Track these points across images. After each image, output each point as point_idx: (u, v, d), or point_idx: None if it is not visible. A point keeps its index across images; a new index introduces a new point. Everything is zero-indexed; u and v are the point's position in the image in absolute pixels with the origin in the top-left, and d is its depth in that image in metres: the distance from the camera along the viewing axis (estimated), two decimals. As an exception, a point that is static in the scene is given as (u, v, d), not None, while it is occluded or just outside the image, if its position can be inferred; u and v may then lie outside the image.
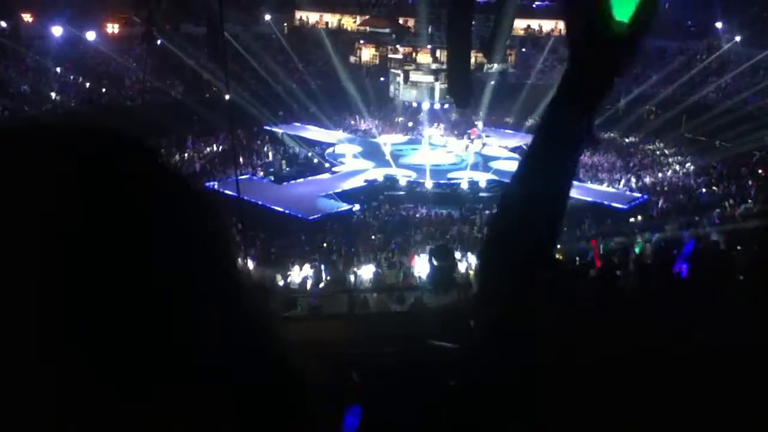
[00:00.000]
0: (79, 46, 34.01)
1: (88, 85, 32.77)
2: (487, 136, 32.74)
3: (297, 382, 0.55)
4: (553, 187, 1.02)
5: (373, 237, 21.33)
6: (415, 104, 34.77)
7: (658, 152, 32.32)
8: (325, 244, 20.24)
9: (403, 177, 26.89)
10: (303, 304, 12.11)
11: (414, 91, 33.40)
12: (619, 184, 27.54)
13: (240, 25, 34.89)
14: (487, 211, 23.82)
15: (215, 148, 30.04)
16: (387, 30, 34.79)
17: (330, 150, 31.39)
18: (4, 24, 33.25)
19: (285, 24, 41.90)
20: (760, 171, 26.41)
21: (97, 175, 0.46)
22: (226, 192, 21.64)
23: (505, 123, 36.61)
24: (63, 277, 0.43)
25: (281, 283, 16.29)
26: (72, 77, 32.87)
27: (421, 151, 31.00)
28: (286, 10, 41.56)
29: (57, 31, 33.11)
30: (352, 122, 36.77)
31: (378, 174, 27.28)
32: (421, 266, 16.62)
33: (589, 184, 26.94)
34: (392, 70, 34.18)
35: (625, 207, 24.14)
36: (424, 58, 32.86)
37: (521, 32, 40.45)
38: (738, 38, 35.68)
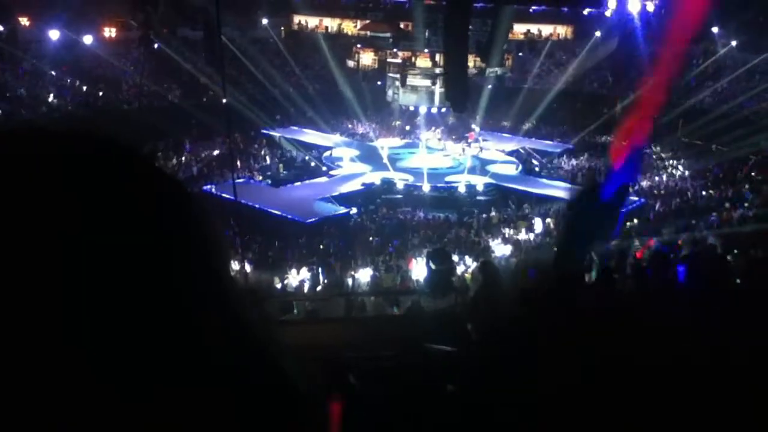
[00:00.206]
0: (76, 49, 33.99)
1: (85, 88, 32.75)
2: (484, 140, 32.79)
3: (294, 383, 0.55)
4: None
5: (370, 239, 21.33)
6: (412, 108, 34.80)
7: (654, 156, 32.38)
8: (322, 247, 20.24)
9: (401, 180, 26.92)
10: (300, 308, 12.09)
11: (414, 95, 33.42)
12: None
13: (237, 30, 34.90)
14: (484, 215, 23.84)
15: (213, 152, 30.05)
16: (388, 34, 34.78)
17: (327, 153, 31.41)
18: (1, 27, 33.22)
19: (282, 28, 41.91)
20: (753, 174, 26.48)
21: (94, 178, 0.47)
22: (224, 195, 21.68)
23: (502, 127, 36.67)
24: (62, 278, 0.43)
25: (278, 286, 16.27)
26: (69, 81, 32.85)
27: (419, 154, 31.03)
28: (284, 15, 41.56)
29: (54, 34, 33.08)
30: (350, 126, 36.80)
31: (375, 177, 27.30)
32: (419, 270, 16.61)
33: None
34: (390, 75, 34.18)
35: (622, 210, 24.15)
36: (423, 62, 32.88)
37: (521, 36, 40.51)
38: (734, 43, 35.80)
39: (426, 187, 26.24)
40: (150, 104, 32.82)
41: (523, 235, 21.72)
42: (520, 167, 30.16)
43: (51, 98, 31.22)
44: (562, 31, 40.65)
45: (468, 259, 18.23)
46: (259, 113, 32.06)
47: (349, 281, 17.06)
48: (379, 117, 37.10)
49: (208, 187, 24.86)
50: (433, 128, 34.37)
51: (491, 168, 28.97)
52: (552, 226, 21.93)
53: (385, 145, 32.09)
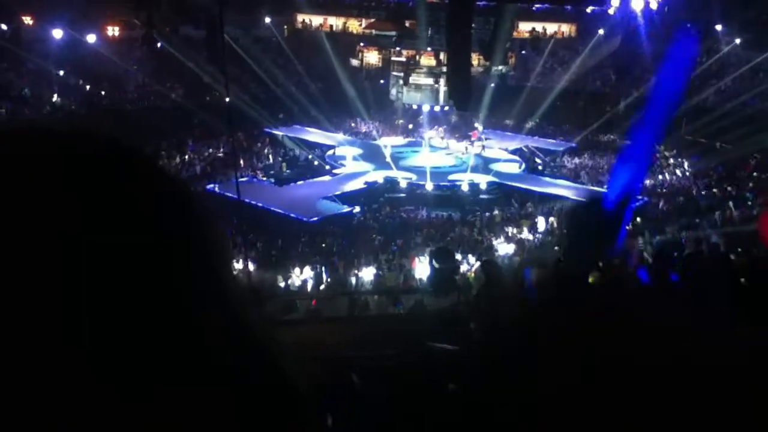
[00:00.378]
0: (79, 49, 34.03)
1: (88, 87, 32.80)
2: (486, 139, 32.77)
3: (294, 383, 0.55)
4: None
5: (373, 238, 21.34)
6: (415, 106, 34.78)
7: (658, 154, 32.32)
8: (325, 246, 20.24)
9: (404, 179, 26.91)
10: (303, 307, 12.12)
11: (418, 93, 33.40)
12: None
13: (240, 28, 34.91)
14: (487, 213, 23.84)
15: (216, 151, 30.08)
16: (393, 33, 34.74)
17: (330, 152, 31.42)
18: (4, 27, 33.28)
19: (285, 27, 41.89)
20: (756, 174, 26.43)
21: (94, 178, 0.47)
22: (227, 194, 21.70)
23: (505, 125, 36.64)
24: (62, 278, 0.43)
25: (282, 285, 16.30)
26: (72, 80, 32.90)
27: (422, 153, 31.02)
28: (286, 13, 41.54)
29: (57, 33, 33.13)
30: (353, 125, 36.80)
31: (378, 176, 27.30)
32: (422, 269, 16.62)
33: (589, 187, 26.95)
34: (394, 73, 34.15)
35: (624, 221, 24.11)
36: (427, 60, 32.84)
37: (526, 35, 40.46)
38: (737, 41, 35.70)
39: (429, 186, 26.23)
40: (153, 103, 32.87)
41: (526, 234, 21.71)
42: (524, 166, 30.14)
43: (54, 98, 31.26)
44: (567, 29, 40.56)
45: (471, 258, 18.22)
46: (261, 112, 32.07)
47: (353, 280, 17.07)
48: (382, 116, 37.09)
49: (212, 186, 24.92)
50: (436, 127, 34.36)
51: (494, 166, 28.95)
52: (555, 224, 21.92)
53: (388, 143, 32.08)
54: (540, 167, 30.03)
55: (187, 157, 29.35)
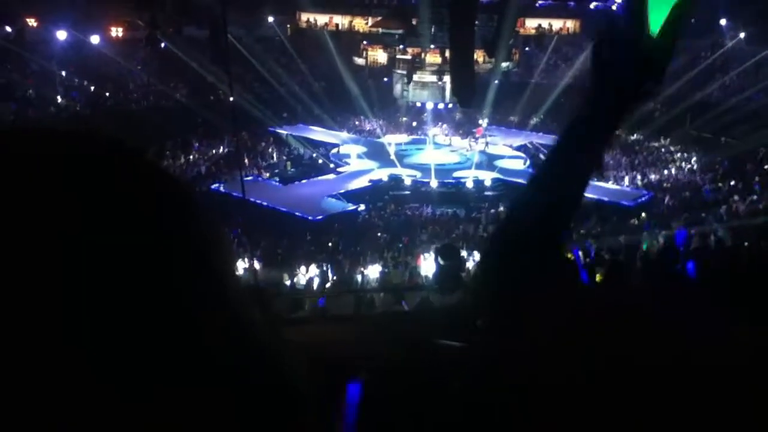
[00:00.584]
0: (83, 49, 34.14)
1: (92, 88, 32.90)
2: (490, 136, 32.75)
3: (295, 383, 0.55)
4: (564, 199, 1.05)
5: (379, 236, 21.36)
6: (419, 104, 34.75)
7: (663, 149, 32.25)
8: (330, 244, 20.27)
9: (408, 177, 26.91)
10: (309, 306, 12.13)
11: (425, 91, 33.36)
12: (624, 181, 27.50)
13: (243, 28, 34.94)
14: (492, 210, 23.82)
15: (220, 151, 30.15)
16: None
17: (334, 150, 31.43)
18: (8, 29, 33.39)
19: (288, 26, 41.91)
20: (766, 167, 26.33)
21: (94, 178, 0.47)
22: (232, 193, 21.74)
23: (509, 122, 36.60)
24: (62, 278, 0.43)
25: (287, 283, 16.31)
26: (76, 81, 33.00)
27: (426, 150, 31.01)
28: (289, 13, 41.57)
29: (61, 35, 33.23)
30: (357, 123, 36.81)
31: (383, 174, 27.31)
32: (427, 266, 16.63)
33: (594, 182, 26.89)
34: (398, 71, 34.11)
35: (631, 204, 24.10)
36: (433, 58, 32.80)
37: (532, 31, 40.44)
38: (742, 35, 35.55)
39: (434, 183, 26.23)
40: (157, 104, 32.94)
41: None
42: (528, 162, 30.11)
43: (59, 99, 31.37)
44: (570, 25, 40.48)
45: (476, 255, 18.22)
46: (265, 111, 32.11)
47: (358, 278, 17.09)
48: (386, 113, 37.09)
49: (216, 185, 24.98)
50: (440, 124, 34.33)
51: (499, 163, 28.92)
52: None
53: (392, 141, 32.09)
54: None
55: (191, 157, 29.41)
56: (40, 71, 32.20)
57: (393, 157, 29.50)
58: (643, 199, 25.03)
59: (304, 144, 31.95)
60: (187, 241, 0.51)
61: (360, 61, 37.05)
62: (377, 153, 30.45)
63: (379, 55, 36.15)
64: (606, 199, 24.29)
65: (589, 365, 0.64)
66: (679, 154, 31.11)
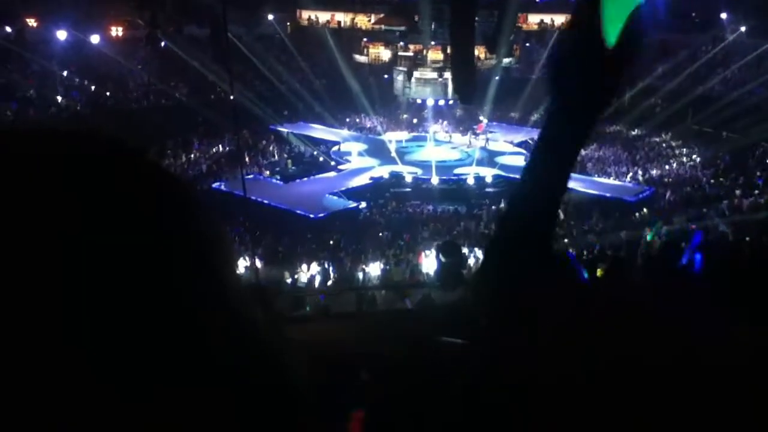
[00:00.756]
0: (84, 49, 34.15)
1: (93, 88, 32.91)
2: (491, 132, 32.73)
3: (295, 383, 0.55)
4: (551, 189, 1.07)
5: (380, 233, 21.36)
6: (420, 101, 34.73)
7: (664, 144, 32.21)
8: (331, 242, 20.27)
9: (409, 174, 26.90)
10: (311, 303, 12.13)
11: (427, 88, 33.31)
12: (626, 177, 27.47)
13: (243, 26, 34.92)
14: (493, 207, 23.81)
15: (221, 149, 30.15)
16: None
17: (335, 148, 31.43)
18: (9, 29, 33.40)
19: (288, 24, 41.88)
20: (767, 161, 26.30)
21: (94, 178, 0.47)
22: (233, 192, 21.75)
23: (510, 118, 36.56)
24: (62, 277, 0.43)
25: (289, 281, 16.33)
26: (77, 81, 33.02)
27: (427, 147, 31.00)
28: (289, 10, 41.53)
29: (61, 35, 33.24)
30: (357, 120, 36.79)
31: (384, 171, 27.31)
32: (429, 263, 16.63)
33: (596, 178, 26.89)
34: (399, 68, 34.04)
35: (632, 200, 24.09)
36: (435, 55, 32.73)
37: (535, 27, 40.43)
38: (743, 29, 35.47)
39: (435, 180, 26.22)
40: (157, 103, 32.95)
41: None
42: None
43: (59, 98, 31.39)
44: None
45: (478, 252, 18.21)
46: (266, 109, 32.10)
47: (360, 275, 17.09)
48: (387, 111, 37.07)
49: (218, 184, 24.99)
50: (440, 121, 34.32)
51: (500, 159, 28.91)
52: (562, 216, 21.87)
53: (393, 138, 32.07)
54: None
55: (192, 155, 29.42)
56: (41, 71, 32.22)
57: (394, 154, 29.49)
58: (645, 194, 25.01)
59: (305, 142, 31.94)
60: (188, 241, 0.51)
61: (362, 58, 36.99)
62: (378, 150, 30.44)
63: (381, 53, 36.09)
64: (608, 194, 24.29)
65: (589, 364, 0.64)
66: (680, 149, 31.07)
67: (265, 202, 22.92)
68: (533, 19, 40.22)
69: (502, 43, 29.75)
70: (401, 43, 34.51)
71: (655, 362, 0.63)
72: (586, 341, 0.68)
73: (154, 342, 0.46)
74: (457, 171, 27.86)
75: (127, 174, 0.50)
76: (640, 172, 27.87)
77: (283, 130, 33.31)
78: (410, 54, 33.72)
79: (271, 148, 31.42)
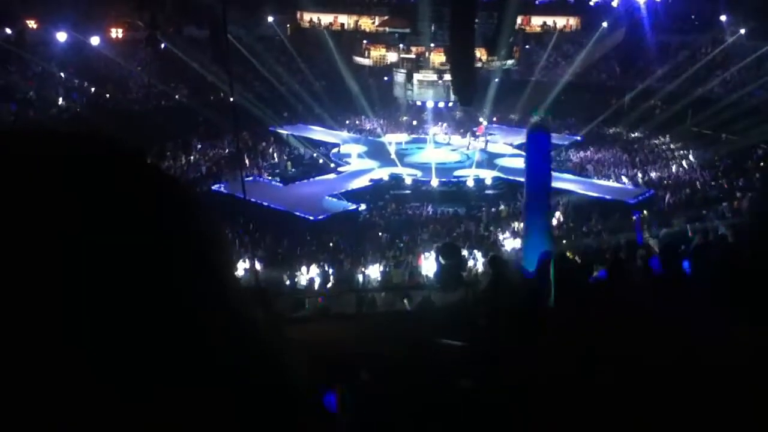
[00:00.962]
0: (84, 51, 34.14)
1: (93, 89, 32.90)
2: (491, 134, 32.74)
3: (295, 383, 0.56)
4: None
5: (380, 235, 21.36)
6: (419, 103, 34.74)
7: (664, 146, 32.20)
8: (331, 244, 20.26)
9: (409, 176, 26.90)
10: (310, 305, 12.14)
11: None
12: (625, 179, 27.48)
13: (243, 28, 34.92)
14: (493, 209, 23.82)
15: (221, 151, 30.14)
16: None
17: (335, 150, 31.42)
18: (9, 31, 33.39)
19: (288, 25, 41.88)
20: (762, 163, 26.30)
21: (94, 179, 0.48)
22: (233, 194, 21.74)
23: (509, 120, 36.59)
24: (62, 277, 0.43)
25: (288, 283, 16.32)
26: (77, 82, 33.01)
27: (426, 149, 30.99)
28: (289, 12, 41.53)
29: (61, 36, 33.23)
30: (357, 122, 36.79)
31: (383, 173, 27.30)
32: (428, 265, 16.62)
33: (595, 180, 26.90)
34: (400, 70, 33.98)
35: (632, 202, 24.10)
36: (437, 57, 32.69)
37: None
38: (743, 31, 35.48)
39: (434, 182, 26.21)
40: (157, 104, 32.94)
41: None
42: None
43: (60, 100, 31.38)
44: (575, 22, 40.42)
45: (477, 254, 18.22)
46: (266, 111, 32.09)
47: (360, 277, 17.09)
48: (387, 113, 37.07)
49: (217, 186, 24.98)
50: (440, 123, 34.33)
51: (499, 161, 28.91)
52: (561, 218, 21.87)
53: (392, 140, 32.07)
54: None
55: (192, 157, 29.41)
56: (41, 73, 32.22)
57: (393, 156, 29.48)
58: (644, 196, 25.02)
59: (305, 144, 31.94)
60: (187, 241, 0.51)
61: (363, 60, 36.94)
62: (378, 152, 30.44)
63: (383, 55, 36.05)
64: (608, 197, 24.29)
65: (589, 364, 0.64)
66: (679, 152, 31.07)
67: (265, 204, 22.92)
68: (536, 21, 40.32)
69: (502, 45, 29.76)
70: (401, 45, 34.50)
71: (655, 363, 0.64)
72: (587, 341, 0.68)
73: (154, 342, 0.46)
74: (456, 173, 27.86)
75: (127, 175, 0.50)
76: (639, 174, 27.87)
77: (283, 132, 33.30)
78: (412, 56, 33.70)
79: (270, 150, 31.42)
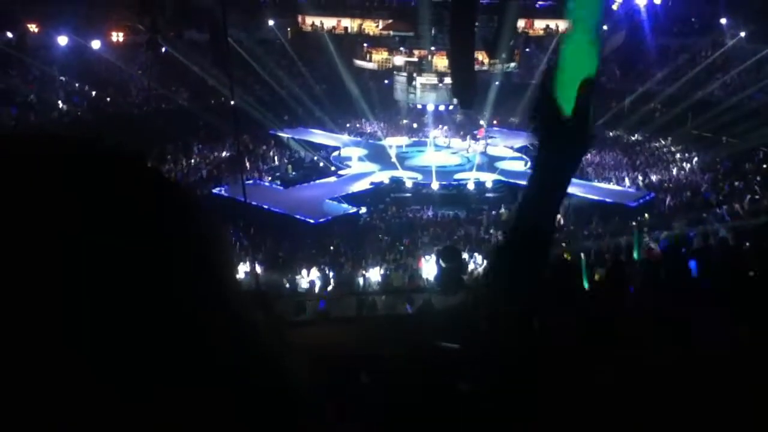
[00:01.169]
0: (85, 54, 34.19)
1: (94, 93, 32.94)
2: (491, 137, 32.76)
3: (295, 385, 0.56)
4: (544, 212, 1.21)
5: (380, 238, 21.35)
6: (420, 106, 34.76)
7: (664, 149, 32.22)
8: (332, 248, 20.26)
9: (409, 179, 26.91)
10: (311, 308, 12.13)
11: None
12: (625, 182, 27.48)
13: (243, 31, 34.98)
14: (493, 212, 23.82)
15: (221, 154, 30.17)
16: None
17: (336, 153, 31.44)
18: (10, 34, 33.45)
19: (289, 29, 41.93)
20: (765, 166, 26.30)
21: (94, 180, 0.48)
22: (233, 197, 21.75)
23: (510, 123, 36.61)
24: (63, 278, 0.43)
25: (288, 286, 16.32)
26: (78, 86, 33.05)
27: (427, 152, 31.01)
28: (289, 15, 41.58)
29: (62, 40, 33.28)
30: (357, 125, 36.82)
31: (384, 176, 27.31)
32: (429, 268, 16.62)
33: (596, 183, 26.91)
34: (402, 74, 33.99)
35: (633, 205, 24.09)
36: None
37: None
38: (742, 34, 35.51)
39: (435, 185, 26.22)
40: (158, 108, 32.97)
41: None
42: (529, 163, 30.06)
43: (60, 104, 31.42)
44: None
45: (478, 257, 18.21)
46: (266, 114, 32.12)
47: (360, 280, 17.08)
48: (387, 116, 37.09)
49: (218, 189, 24.99)
50: (440, 126, 34.35)
51: (500, 164, 28.93)
52: (561, 221, 21.85)
53: (393, 143, 32.08)
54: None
55: (193, 160, 29.43)
56: (42, 76, 32.25)
57: (394, 159, 29.50)
58: (645, 199, 25.02)
59: (305, 147, 31.96)
60: (187, 243, 0.51)
61: (364, 64, 36.94)
62: (378, 155, 30.45)
63: (385, 58, 36.07)
64: (608, 200, 24.29)
65: (589, 365, 0.64)
66: (679, 154, 31.08)
67: (266, 207, 22.92)
68: (539, 25, 40.45)
69: (503, 48, 29.79)
70: (402, 48, 34.52)
71: (655, 363, 0.64)
72: (587, 342, 0.68)
73: (155, 342, 0.46)
74: (457, 176, 27.87)
75: (127, 177, 0.51)
76: (640, 177, 27.87)
77: (284, 135, 33.33)
78: (415, 59, 33.73)
79: (271, 153, 31.45)
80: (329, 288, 16.37)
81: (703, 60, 35.72)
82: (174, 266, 0.49)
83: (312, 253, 19.59)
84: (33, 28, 34.67)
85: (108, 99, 32.96)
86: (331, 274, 17.53)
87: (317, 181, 27.61)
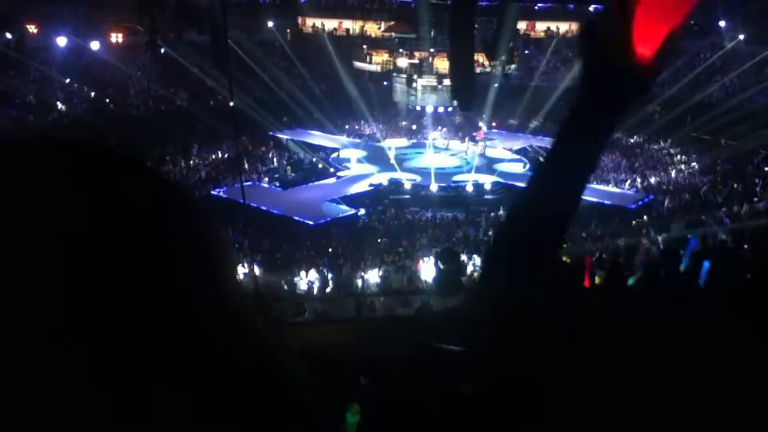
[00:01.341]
0: (84, 55, 34.18)
1: (93, 94, 32.94)
2: (490, 139, 32.78)
3: (295, 385, 0.56)
4: (565, 196, 1.04)
5: (379, 240, 21.35)
6: (419, 108, 34.78)
7: (663, 151, 32.25)
8: (331, 249, 20.26)
9: (408, 180, 26.93)
10: (309, 309, 12.13)
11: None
12: (624, 184, 27.50)
13: (243, 32, 35.00)
14: (492, 213, 23.82)
15: (220, 155, 30.17)
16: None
17: (335, 155, 31.45)
18: (9, 35, 33.44)
19: (288, 30, 41.97)
20: (766, 169, 26.33)
21: (94, 180, 0.48)
22: (232, 198, 21.75)
23: (509, 125, 36.64)
24: (63, 278, 0.44)
25: (286, 288, 16.31)
26: (77, 87, 33.05)
27: (426, 154, 31.04)
28: (289, 17, 41.62)
29: (62, 41, 33.27)
30: (357, 127, 36.84)
31: (383, 178, 27.32)
32: (427, 270, 16.62)
33: (594, 185, 26.93)
34: (402, 75, 33.99)
35: (632, 207, 24.11)
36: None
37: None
38: (742, 36, 35.57)
39: (434, 187, 26.24)
40: (157, 109, 32.98)
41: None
42: (528, 165, 30.13)
43: (59, 105, 31.41)
44: (575, 27, 40.57)
45: (476, 258, 18.21)
46: (266, 116, 32.13)
47: (359, 282, 17.08)
48: (386, 117, 37.11)
49: (217, 190, 24.99)
50: (439, 127, 34.37)
51: (499, 166, 28.95)
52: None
53: (392, 145, 32.10)
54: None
55: (192, 162, 29.43)
56: (41, 77, 32.23)
57: (393, 161, 29.52)
58: (644, 202, 25.05)
59: (304, 148, 31.97)
60: (187, 244, 0.51)
61: (365, 65, 36.93)
62: (377, 157, 30.47)
63: (386, 60, 36.08)
64: (607, 202, 24.31)
65: (590, 366, 0.64)
66: (678, 156, 31.11)
67: (264, 208, 22.92)
68: (540, 27, 40.57)
69: (502, 50, 29.82)
70: (401, 50, 34.54)
71: (655, 364, 0.63)
72: (587, 343, 0.68)
73: (154, 342, 0.46)
74: (456, 178, 27.89)
75: (127, 177, 0.51)
76: (639, 179, 27.89)
77: (283, 136, 33.34)
78: (416, 61, 33.74)
79: (270, 154, 31.45)
80: (328, 289, 16.37)
81: (702, 62, 35.77)
82: (173, 267, 0.49)
83: (311, 255, 19.59)
84: (32, 28, 34.67)
85: (107, 100, 32.94)
86: (330, 275, 17.52)
87: (316, 183, 27.62)
